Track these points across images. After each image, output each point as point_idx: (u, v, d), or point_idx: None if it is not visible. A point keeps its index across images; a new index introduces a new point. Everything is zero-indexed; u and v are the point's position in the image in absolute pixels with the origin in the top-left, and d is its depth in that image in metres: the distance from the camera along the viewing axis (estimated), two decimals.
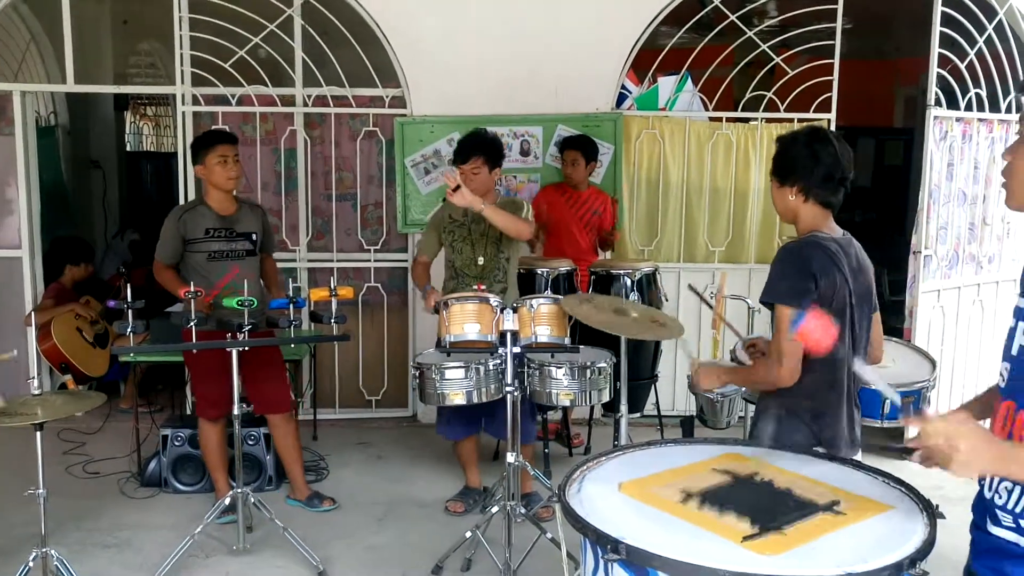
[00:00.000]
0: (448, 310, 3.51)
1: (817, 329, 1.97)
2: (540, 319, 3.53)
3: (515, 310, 3.52)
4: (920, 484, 1.90)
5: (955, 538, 1.85)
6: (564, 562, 1.88)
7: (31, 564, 3.05)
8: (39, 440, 2.99)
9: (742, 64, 5.78)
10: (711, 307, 3.35)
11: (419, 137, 5.53)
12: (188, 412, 5.33)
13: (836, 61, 5.49)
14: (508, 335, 3.48)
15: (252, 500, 3.84)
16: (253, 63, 5.54)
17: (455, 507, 4.38)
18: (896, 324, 5.24)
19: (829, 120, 5.54)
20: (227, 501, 3.82)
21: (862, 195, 9.96)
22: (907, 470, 2.12)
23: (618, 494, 1.86)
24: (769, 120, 5.70)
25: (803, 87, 5.58)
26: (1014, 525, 1.64)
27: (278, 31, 5.47)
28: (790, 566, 1.56)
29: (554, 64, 5.49)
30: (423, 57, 5.50)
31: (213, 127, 5.49)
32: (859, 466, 2.07)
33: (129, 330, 3.59)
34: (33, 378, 3.15)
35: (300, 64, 5.58)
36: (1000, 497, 1.66)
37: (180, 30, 5.42)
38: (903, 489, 1.89)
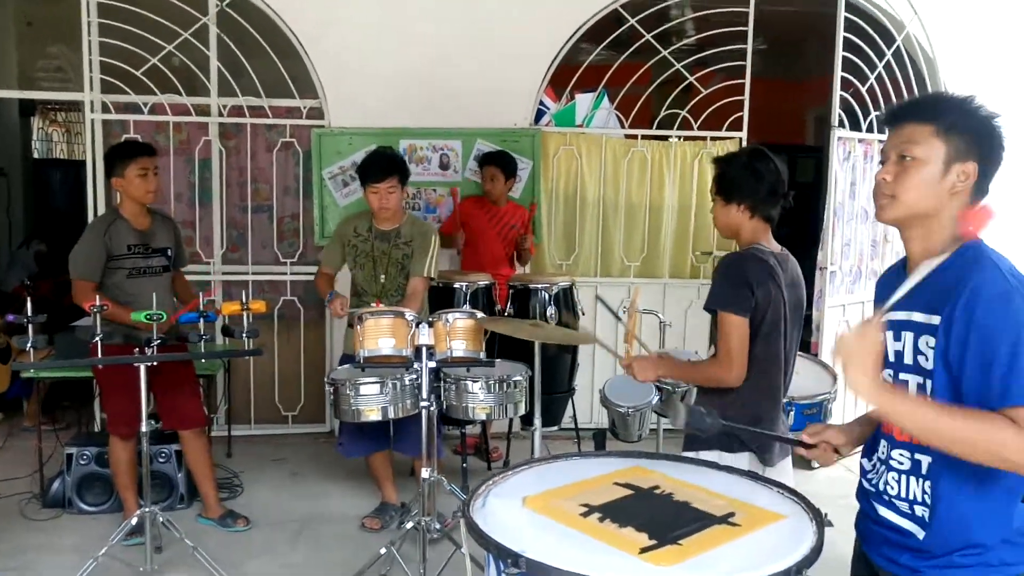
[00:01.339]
0: (363, 324, 3.49)
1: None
2: (455, 333, 3.53)
3: (431, 324, 3.53)
4: (826, 493, 2.00)
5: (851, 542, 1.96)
6: (467, 570, 1.90)
7: None
8: None
9: (657, 82, 5.93)
10: (618, 318, 3.41)
11: (337, 149, 5.50)
12: (96, 429, 5.17)
13: (747, 81, 5.67)
14: (424, 349, 3.49)
15: (161, 519, 3.74)
16: (166, 71, 5.42)
17: (372, 523, 4.35)
18: (805, 338, 5.42)
19: (741, 138, 5.73)
20: (134, 521, 3.71)
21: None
22: (814, 480, 2.22)
23: (522, 508, 1.89)
24: (686, 138, 5.86)
25: (716, 105, 5.76)
26: (909, 512, 1.77)
27: (192, 39, 5.37)
28: None
29: (473, 78, 5.53)
30: (341, 69, 5.47)
31: (125, 136, 5.37)
32: (757, 478, 2.15)
33: (30, 345, 3.47)
34: None
35: (215, 73, 5.48)
36: (892, 488, 1.80)
37: (88, 35, 5.27)
38: (795, 499, 1.97)
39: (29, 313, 3.41)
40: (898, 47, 5.55)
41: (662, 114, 5.83)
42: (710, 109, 5.79)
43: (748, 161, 2.68)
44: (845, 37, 5.23)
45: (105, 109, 5.40)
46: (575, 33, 5.58)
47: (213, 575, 3.63)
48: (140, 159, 3.97)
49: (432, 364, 3.51)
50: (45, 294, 6.18)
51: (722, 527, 1.81)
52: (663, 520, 1.83)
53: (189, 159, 5.63)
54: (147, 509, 3.67)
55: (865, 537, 1.92)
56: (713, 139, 5.79)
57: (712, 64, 5.87)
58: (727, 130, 5.75)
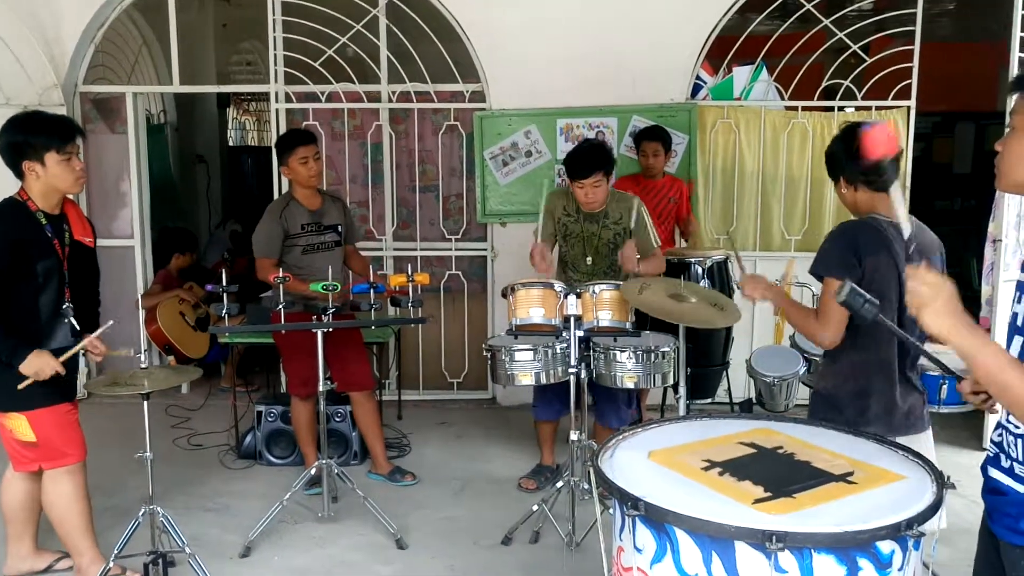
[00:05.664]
0: (515, 295, 3.70)
1: (880, 136, 2.10)
2: (602, 304, 3.67)
3: (578, 295, 3.68)
4: (963, 462, 1.98)
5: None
6: (596, 510, 2.05)
7: (140, 520, 3.40)
8: (146, 409, 3.32)
9: (820, 51, 5.73)
10: (738, 287, 3.38)
11: (497, 130, 5.74)
12: (282, 391, 5.70)
13: (916, 46, 5.43)
14: (572, 319, 3.65)
15: (336, 471, 4.12)
16: (341, 62, 5.84)
17: (528, 484, 4.57)
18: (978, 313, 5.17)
19: (909, 107, 5.49)
20: (312, 472, 4.12)
21: (962, 182, 9.68)
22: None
23: (647, 461, 2.02)
24: (857, 108, 5.68)
25: (884, 72, 5.53)
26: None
27: (364, 31, 5.76)
28: (792, 524, 1.69)
29: (629, 56, 5.60)
30: (501, 51, 5.69)
31: (304, 124, 5.84)
32: (885, 442, 2.16)
33: (224, 312, 3.92)
34: (140, 353, 3.49)
35: (385, 61, 5.85)
36: (1013, 451, 1.76)
37: (274, 32, 5.77)
38: (920, 462, 1.98)
39: (224, 283, 3.86)
40: None
41: (824, 84, 5.66)
42: (877, 77, 5.57)
43: (839, 138, 2.76)
44: None
45: (288, 99, 5.90)
46: (734, 5, 5.52)
47: (381, 523, 3.98)
48: (299, 149, 4.32)
49: (580, 333, 3.68)
50: (240, 270, 6.85)
51: (838, 484, 1.87)
52: (781, 476, 1.91)
53: (363, 143, 6.05)
54: (324, 462, 4.07)
55: (987, 508, 1.89)
56: (879, 109, 5.58)
57: (889, 28, 5.63)
58: (894, 99, 5.53)
